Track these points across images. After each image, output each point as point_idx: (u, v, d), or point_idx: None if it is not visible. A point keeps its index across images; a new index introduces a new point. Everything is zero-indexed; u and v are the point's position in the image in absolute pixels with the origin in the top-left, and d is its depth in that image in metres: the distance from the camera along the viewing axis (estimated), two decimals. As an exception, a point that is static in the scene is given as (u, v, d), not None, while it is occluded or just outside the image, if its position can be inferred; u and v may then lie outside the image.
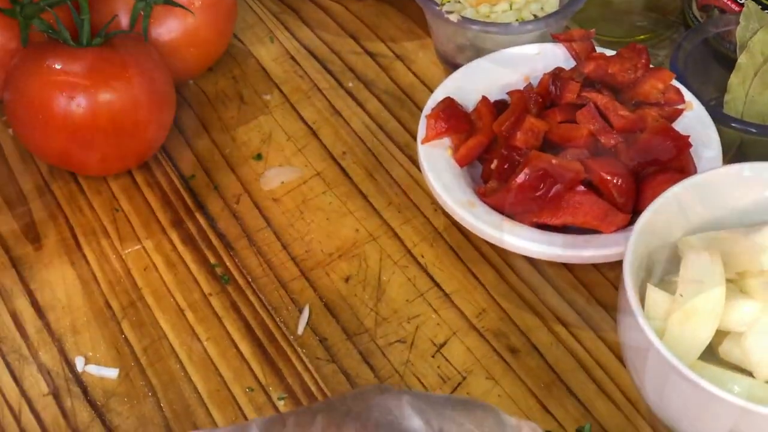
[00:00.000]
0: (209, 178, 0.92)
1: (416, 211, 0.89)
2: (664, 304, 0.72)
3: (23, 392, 0.78)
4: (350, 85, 1.00)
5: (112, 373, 0.79)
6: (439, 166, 0.85)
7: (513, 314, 0.82)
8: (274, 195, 0.91)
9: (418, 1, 0.95)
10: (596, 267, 0.84)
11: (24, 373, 0.79)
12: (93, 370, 0.80)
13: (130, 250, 0.87)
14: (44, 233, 0.88)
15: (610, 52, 0.90)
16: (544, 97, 0.88)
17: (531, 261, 0.84)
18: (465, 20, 0.93)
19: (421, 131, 0.87)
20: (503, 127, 0.85)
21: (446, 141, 0.87)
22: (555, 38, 0.93)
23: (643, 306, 0.71)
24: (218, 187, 0.91)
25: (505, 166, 0.84)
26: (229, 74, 1.00)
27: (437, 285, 0.84)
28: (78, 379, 0.79)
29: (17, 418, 0.77)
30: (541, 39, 0.94)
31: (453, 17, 0.93)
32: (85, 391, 0.78)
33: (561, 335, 0.81)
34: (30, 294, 0.84)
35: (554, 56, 0.92)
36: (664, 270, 0.76)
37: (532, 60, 0.92)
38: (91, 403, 0.77)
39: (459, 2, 0.98)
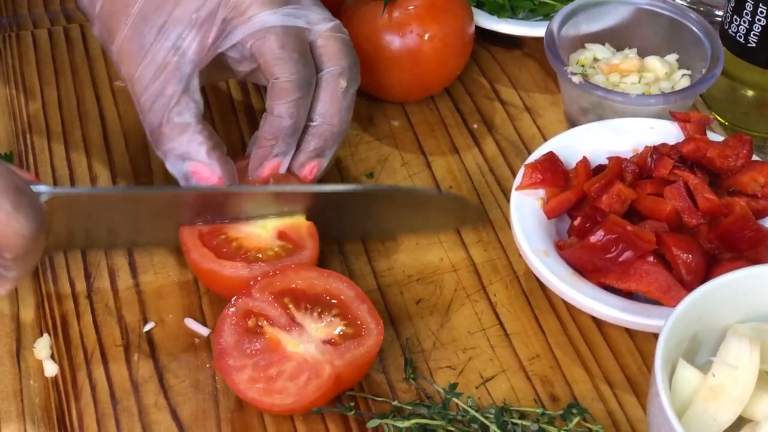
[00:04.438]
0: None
1: (501, 252, 0.93)
2: (693, 380, 0.74)
3: (99, 339, 0.86)
4: (475, 126, 1.04)
5: (203, 330, 0.86)
6: (525, 213, 0.89)
7: (564, 365, 0.85)
8: (375, 212, 0.96)
9: (550, 60, 0.99)
10: (657, 338, 0.86)
11: (105, 323, 0.87)
12: (190, 323, 0.87)
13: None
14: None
15: (717, 138, 0.92)
16: (641, 168, 0.90)
17: (596, 320, 0.87)
18: (587, 84, 0.96)
19: (518, 178, 0.91)
20: (593, 187, 0.88)
21: (541, 192, 0.91)
22: (672, 116, 0.95)
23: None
24: (325, 195, 0.97)
25: (587, 225, 0.87)
26: (366, 95, 1.06)
27: (501, 323, 0.88)
28: (150, 338, 0.86)
29: (87, 360, 0.84)
30: (662, 115, 0.97)
31: (575, 79, 0.96)
32: (152, 350, 0.85)
33: (604, 394, 0.83)
34: (130, 254, 0.91)
35: (667, 133, 0.94)
36: (711, 353, 0.77)
37: (646, 133, 0.94)
38: (155, 362, 0.84)
39: (593, 68, 1.02)
